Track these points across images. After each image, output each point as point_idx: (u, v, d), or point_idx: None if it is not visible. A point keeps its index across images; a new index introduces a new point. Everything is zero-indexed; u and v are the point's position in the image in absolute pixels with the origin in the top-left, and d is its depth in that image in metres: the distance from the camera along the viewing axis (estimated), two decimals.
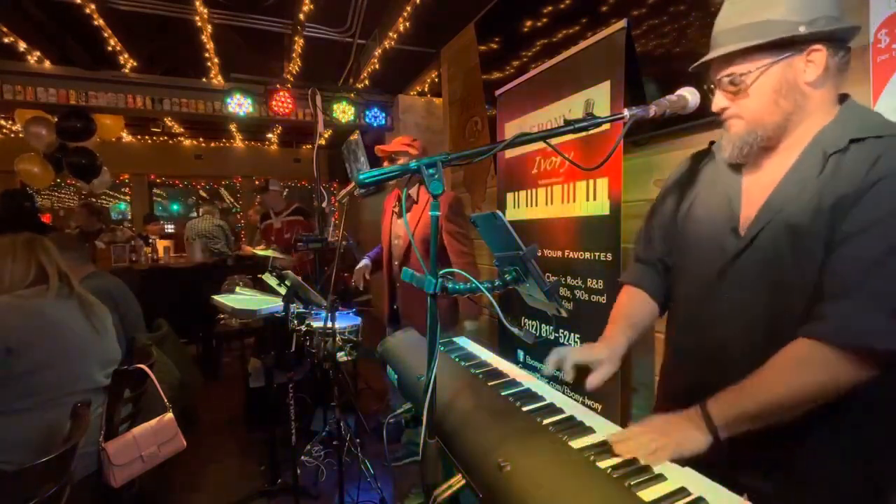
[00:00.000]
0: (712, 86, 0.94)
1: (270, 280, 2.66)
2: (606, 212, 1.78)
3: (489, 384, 1.09)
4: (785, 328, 0.82)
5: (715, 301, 0.93)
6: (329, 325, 2.02)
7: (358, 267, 2.73)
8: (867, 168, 0.75)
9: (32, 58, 4.16)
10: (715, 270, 0.93)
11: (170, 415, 1.79)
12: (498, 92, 2.54)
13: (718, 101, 0.92)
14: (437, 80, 4.72)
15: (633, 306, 1.13)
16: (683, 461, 0.76)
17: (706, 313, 0.95)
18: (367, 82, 4.81)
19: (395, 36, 3.72)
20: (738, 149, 0.90)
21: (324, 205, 4.58)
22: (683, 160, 1.12)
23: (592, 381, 0.96)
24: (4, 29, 3.73)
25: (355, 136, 4.58)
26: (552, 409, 0.97)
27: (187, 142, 8.81)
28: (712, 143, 1.05)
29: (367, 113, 4.98)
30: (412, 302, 2.44)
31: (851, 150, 0.78)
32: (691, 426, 0.81)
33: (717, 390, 0.86)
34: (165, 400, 1.82)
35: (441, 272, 0.80)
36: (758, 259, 0.87)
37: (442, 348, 1.37)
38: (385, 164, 2.52)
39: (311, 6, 3.44)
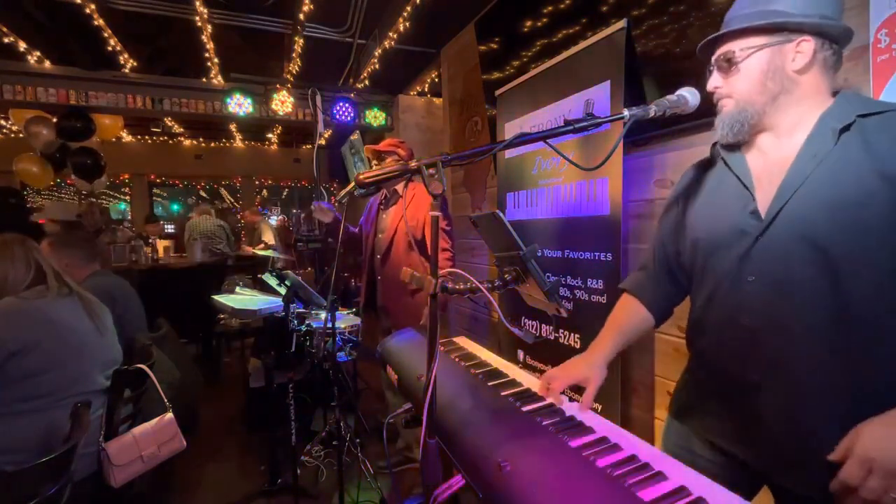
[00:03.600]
0: (711, 68, 0.98)
1: (270, 280, 2.66)
2: (606, 212, 1.78)
3: (489, 384, 1.09)
4: (831, 297, 0.80)
5: (739, 288, 0.92)
6: (329, 325, 2.02)
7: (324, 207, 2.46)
8: None
9: (32, 58, 4.16)
10: (736, 257, 0.92)
11: (170, 415, 1.79)
12: (498, 92, 2.54)
13: (713, 80, 0.97)
14: (437, 80, 4.72)
15: (627, 315, 1.16)
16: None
17: (730, 303, 0.94)
18: (367, 82, 4.80)
19: (395, 36, 3.72)
20: (728, 127, 0.94)
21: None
22: (687, 168, 1.14)
23: (585, 401, 0.98)
24: (4, 29, 3.73)
25: (355, 136, 4.57)
26: (552, 409, 0.97)
27: (187, 142, 8.80)
28: (714, 144, 1.06)
29: (367, 113, 4.98)
30: (395, 299, 2.47)
31: (870, 125, 0.81)
32: None
33: (754, 384, 0.87)
34: (165, 400, 1.82)
35: (441, 272, 0.80)
36: (785, 237, 0.86)
37: (442, 348, 1.37)
38: (374, 163, 2.55)
39: (311, 6, 3.44)
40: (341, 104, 4.61)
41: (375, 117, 5.02)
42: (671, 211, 1.13)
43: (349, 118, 4.62)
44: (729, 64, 0.92)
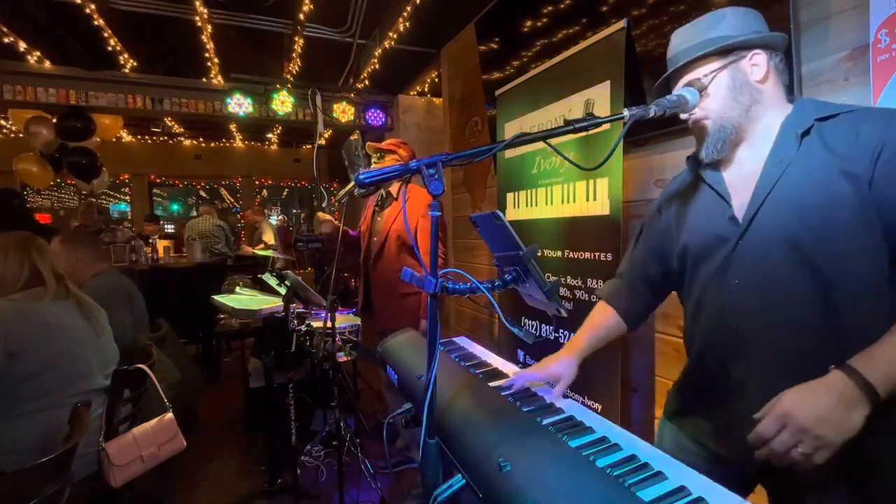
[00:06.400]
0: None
1: (270, 280, 2.66)
2: (606, 212, 1.78)
3: (489, 384, 1.09)
4: (815, 295, 0.83)
5: (724, 292, 0.95)
6: (329, 325, 2.02)
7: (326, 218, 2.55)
8: (855, 133, 0.82)
9: (32, 58, 4.16)
10: (720, 262, 0.95)
11: (170, 415, 1.79)
12: (498, 92, 2.54)
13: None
14: (437, 80, 4.72)
15: (601, 319, 1.22)
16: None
17: (717, 307, 0.97)
18: (367, 82, 4.80)
19: (395, 36, 3.72)
20: (712, 146, 0.97)
21: (324, 205, 4.57)
22: (668, 182, 1.18)
23: (556, 393, 1.05)
24: (4, 29, 3.73)
25: (355, 136, 4.58)
26: (552, 409, 0.97)
27: (187, 142, 8.80)
28: (688, 157, 1.09)
29: (367, 113, 4.98)
30: (385, 300, 2.49)
31: (827, 128, 0.86)
32: (842, 406, 0.72)
33: (741, 385, 0.89)
34: (165, 400, 1.82)
35: (441, 272, 0.80)
36: (762, 239, 0.89)
37: (442, 348, 1.37)
38: (374, 160, 2.54)
39: (311, 6, 3.44)
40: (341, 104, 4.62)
41: (375, 117, 5.02)
42: (653, 224, 1.17)
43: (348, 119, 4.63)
44: (696, 90, 0.96)
